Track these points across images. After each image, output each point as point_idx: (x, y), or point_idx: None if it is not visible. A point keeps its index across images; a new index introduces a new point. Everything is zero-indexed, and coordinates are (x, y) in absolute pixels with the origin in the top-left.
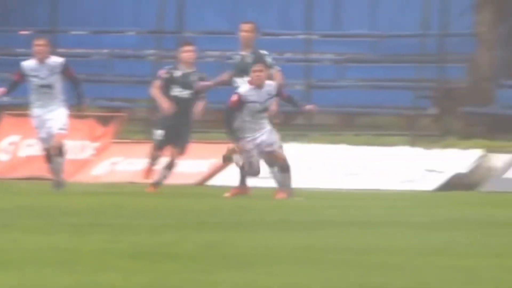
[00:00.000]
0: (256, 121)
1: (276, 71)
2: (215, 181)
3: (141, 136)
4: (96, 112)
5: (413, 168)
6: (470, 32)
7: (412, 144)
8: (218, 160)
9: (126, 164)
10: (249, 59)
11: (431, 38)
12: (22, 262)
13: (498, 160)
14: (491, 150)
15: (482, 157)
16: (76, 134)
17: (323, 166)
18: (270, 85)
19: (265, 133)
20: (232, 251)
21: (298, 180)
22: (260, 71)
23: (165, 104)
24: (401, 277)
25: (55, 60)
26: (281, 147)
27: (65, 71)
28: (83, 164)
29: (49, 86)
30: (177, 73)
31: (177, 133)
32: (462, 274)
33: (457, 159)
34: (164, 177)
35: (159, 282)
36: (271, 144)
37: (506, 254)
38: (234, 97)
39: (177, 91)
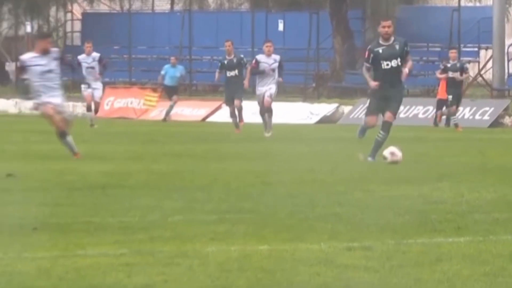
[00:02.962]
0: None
1: None
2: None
3: None
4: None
5: (304, 112)
6: (332, 47)
7: (304, 100)
8: None
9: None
10: None
11: (311, 50)
12: None
13: (346, 109)
14: (342, 103)
15: (337, 107)
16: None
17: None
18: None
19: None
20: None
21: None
22: None
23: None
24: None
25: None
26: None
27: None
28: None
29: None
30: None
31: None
32: None
33: (325, 108)
34: None
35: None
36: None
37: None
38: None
39: None
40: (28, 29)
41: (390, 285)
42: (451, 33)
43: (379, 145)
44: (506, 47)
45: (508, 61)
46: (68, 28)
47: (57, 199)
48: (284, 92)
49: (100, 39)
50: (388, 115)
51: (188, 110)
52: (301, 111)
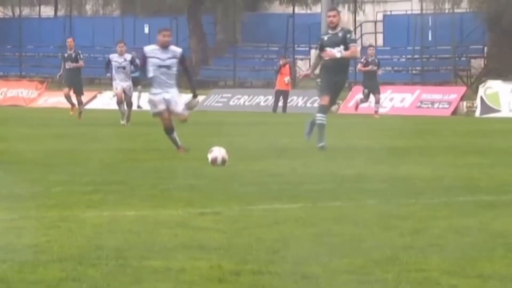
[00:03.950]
0: None
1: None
2: None
3: None
4: None
5: None
6: (189, 47)
7: None
8: None
9: None
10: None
11: None
12: None
13: (201, 98)
14: (198, 94)
15: None
16: None
17: None
18: None
19: None
20: None
21: None
22: None
23: None
24: None
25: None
26: None
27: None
28: None
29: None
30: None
31: None
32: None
33: (184, 97)
34: None
35: None
36: None
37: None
38: None
39: None
40: None
41: (236, 244)
42: (287, 35)
43: (323, 128)
44: None
45: None
46: None
47: None
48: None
49: None
50: (325, 98)
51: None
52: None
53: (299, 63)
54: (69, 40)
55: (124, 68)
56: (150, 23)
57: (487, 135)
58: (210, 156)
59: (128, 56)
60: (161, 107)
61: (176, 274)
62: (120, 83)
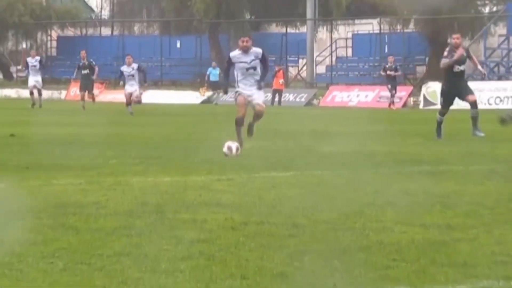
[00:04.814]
0: None
1: None
2: None
3: None
4: None
5: None
6: None
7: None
8: None
9: None
10: None
11: None
12: None
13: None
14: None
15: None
16: None
17: None
18: None
19: None
20: None
21: None
22: None
23: None
24: None
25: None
26: None
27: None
28: None
29: None
30: None
31: None
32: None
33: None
34: None
35: None
36: None
37: None
38: None
39: None
40: (24, 45)
41: (244, 202)
42: (281, 48)
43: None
44: (314, 57)
45: (316, 65)
46: None
47: (40, 151)
48: None
49: None
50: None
51: None
52: None
53: (290, 69)
54: (83, 52)
55: (132, 76)
56: (181, 40)
57: (428, 122)
58: (225, 146)
59: (135, 66)
60: (242, 101)
61: (200, 224)
62: (129, 88)
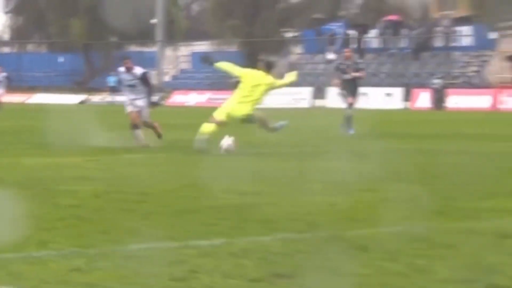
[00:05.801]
0: None
1: None
2: None
3: None
4: None
5: None
6: None
7: None
8: None
9: None
10: None
11: None
12: None
13: None
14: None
15: None
16: None
17: None
18: None
19: None
20: None
21: None
22: None
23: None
24: None
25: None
26: None
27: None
28: None
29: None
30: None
31: None
32: None
33: None
34: None
35: None
36: None
37: None
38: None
39: None
40: None
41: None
42: (139, 63)
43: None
44: (163, 69)
45: (163, 75)
46: None
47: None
48: None
49: None
50: None
51: None
52: None
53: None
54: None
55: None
56: (64, 56)
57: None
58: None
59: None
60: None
61: (73, 193)
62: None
